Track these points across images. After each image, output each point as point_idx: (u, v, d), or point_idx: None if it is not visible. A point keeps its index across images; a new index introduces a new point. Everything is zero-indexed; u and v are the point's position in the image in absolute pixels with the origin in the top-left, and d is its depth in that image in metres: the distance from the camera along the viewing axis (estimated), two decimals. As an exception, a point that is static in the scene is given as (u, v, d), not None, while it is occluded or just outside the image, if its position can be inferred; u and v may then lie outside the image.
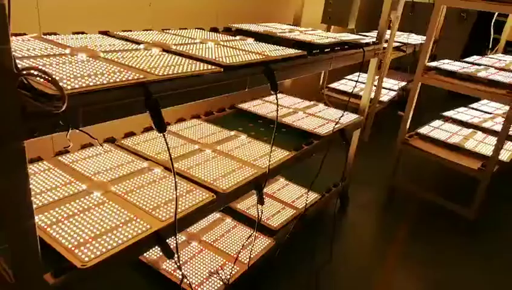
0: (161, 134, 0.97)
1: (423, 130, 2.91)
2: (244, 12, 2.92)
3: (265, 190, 2.27)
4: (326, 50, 1.77)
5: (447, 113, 3.40)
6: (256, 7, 3.03)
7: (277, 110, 1.39)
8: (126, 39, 1.41)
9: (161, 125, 0.96)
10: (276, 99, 1.35)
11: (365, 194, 2.92)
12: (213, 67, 1.13)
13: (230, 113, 2.28)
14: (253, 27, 2.09)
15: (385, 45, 3.49)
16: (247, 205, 2.09)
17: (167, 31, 1.69)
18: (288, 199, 2.22)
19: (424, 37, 4.28)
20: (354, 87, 2.59)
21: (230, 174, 1.48)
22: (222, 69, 1.14)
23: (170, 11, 2.33)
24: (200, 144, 1.72)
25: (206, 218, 1.91)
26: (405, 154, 2.78)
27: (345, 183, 2.59)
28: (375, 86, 3.68)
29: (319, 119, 2.26)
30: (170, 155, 1.00)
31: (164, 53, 1.24)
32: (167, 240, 1.16)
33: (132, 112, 0.94)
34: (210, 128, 1.93)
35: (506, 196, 3.05)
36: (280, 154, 1.74)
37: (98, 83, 0.85)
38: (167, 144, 0.98)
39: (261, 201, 1.55)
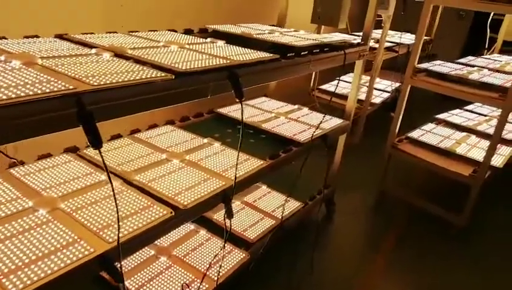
0: (97, 150, 0.87)
1: (414, 134, 2.81)
2: (230, 12, 2.82)
3: (245, 199, 2.18)
4: (303, 53, 1.67)
5: (440, 116, 3.29)
6: (243, 6, 2.93)
7: (242, 120, 1.29)
8: (81, 43, 1.31)
9: (96, 141, 0.86)
10: (241, 107, 1.25)
11: (353, 199, 2.82)
12: (163, 74, 1.03)
13: (208, 118, 2.18)
14: (230, 28, 1.98)
15: (377, 45, 3.39)
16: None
17: (134, 33, 1.59)
18: (268, 209, 2.12)
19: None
20: (335, 89, 2.47)
21: (195, 187, 1.38)
22: (173, 76, 1.04)
23: (146, 12, 2.23)
24: (168, 153, 1.62)
25: (177, 230, 1.82)
26: (395, 158, 2.68)
27: (330, 189, 2.48)
28: (367, 87, 3.58)
29: (302, 124, 2.16)
30: (107, 172, 0.90)
31: (115, 58, 1.14)
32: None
33: (62, 126, 0.84)
34: (182, 136, 1.83)
35: (499, 201, 2.94)
36: (254, 164, 1.64)
37: (13, 96, 0.75)
38: (103, 160, 0.88)
39: (229, 215, 1.45)
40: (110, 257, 1.04)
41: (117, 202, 1.24)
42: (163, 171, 1.46)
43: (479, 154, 2.52)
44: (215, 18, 2.59)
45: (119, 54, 1.18)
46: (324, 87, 3.86)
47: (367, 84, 3.61)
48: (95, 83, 0.88)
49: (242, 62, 1.30)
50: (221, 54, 1.37)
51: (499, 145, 2.80)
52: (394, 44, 3.72)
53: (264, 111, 2.31)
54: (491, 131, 2.93)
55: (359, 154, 3.43)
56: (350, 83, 4.08)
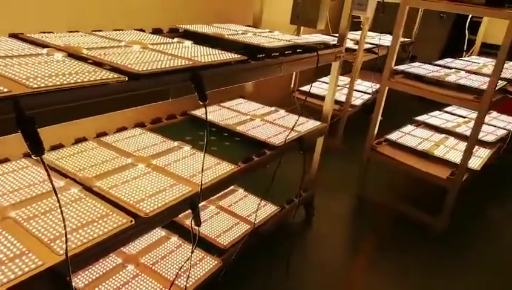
0: (38, 158, 0.81)
1: (393, 136, 2.79)
2: (204, 12, 2.76)
3: (220, 203, 2.13)
4: (274, 54, 1.63)
5: (420, 118, 3.29)
6: (218, 7, 2.88)
7: (206, 124, 1.24)
8: (36, 43, 1.24)
9: (36, 147, 0.80)
10: (205, 110, 1.19)
11: (333, 202, 2.78)
12: (115, 76, 0.97)
13: (181, 121, 2.12)
14: (202, 28, 1.93)
15: (356, 47, 3.37)
16: (197, 220, 1.93)
17: (97, 32, 1.53)
18: (244, 213, 2.07)
19: (402, 39, 4.19)
20: (309, 89, 2.43)
21: (160, 194, 1.32)
22: (127, 78, 0.98)
23: (119, 11, 2.16)
24: (135, 157, 1.55)
25: (147, 237, 1.76)
26: (375, 160, 2.66)
27: (309, 193, 2.45)
28: (347, 88, 3.56)
29: (277, 127, 2.12)
30: (50, 179, 0.84)
31: (66, 59, 1.08)
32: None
33: (-2, 132, 0.78)
34: (152, 139, 1.77)
35: (477, 203, 2.94)
36: (225, 168, 1.59)
37: None
38: (46, 168, 0.82)
39: (196, 222, 1.39)
40: (60, 270, 0.97)
41: (74, 210, 1.17)
42: (127, 177, 1.40)
43: (457, 157, 2.52)
44: (189, 18, 2.54)
45: (73, 54, 1.12)
46: (306, 88, 3.82)
47: (348, 85, 3.59)
48: (35, 86, 0.81)
49: (206, 63, 1.25)
50: (186, 54, 1.32)
51: (477, 147, 2.81)
52: (373, 45, 3.71)
53: (239, 113, 2.26)
54: (469, 133, 2.93)
55: (339, 157, 3.41)
56: (315, 81, 4.08)
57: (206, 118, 1.20)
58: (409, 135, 2.87)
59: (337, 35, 4.03)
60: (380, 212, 2.70)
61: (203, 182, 1.43)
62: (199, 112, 2.19)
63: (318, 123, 2.23)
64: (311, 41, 1.99)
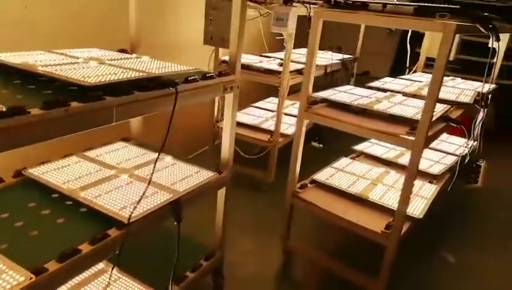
0: None
1: (322, 175, 2.29)
2: (81, 34, 2.21)
3: (74, 296, 1.52)
4: (99, 94, 1.08)
5: (359, 147, 2.83)
6: (98, 28, 2.32)
7: None
8: None
9: None
10: None
11: (252, 262, 2.23)
12: None
13: (10, 186, 1.51)
14: (23, 57, 1.36)
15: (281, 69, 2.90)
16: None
17: None
18: (105, 310, 1.48)
19: (341, 56, 3.76)
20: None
21: None
22: None
23: None
24: None
25: None
26: (301, 208, 2.14)
27: (217, 257, 1.89)
28: (275, 112, 3.06)
29: (150, 186, 1.55)
30: None
31: None
32: None
33: None
34: None
35: (423, 254, 2.47)
36: (9, 283, 0.99)
37: None
38: None
39: None
40: None
41: None
42: None
43: (396, 199, 2.04)
44: (62, 41, 1.97)
45: None
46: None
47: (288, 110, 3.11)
48: None
49: None
50: None
51: (421, 182, 2.36)
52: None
53: (103, 167, 1.68)
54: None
55: (269, 196, 2.90)
56: (268, 110, 3.59)
57: None
58: (342, 172, 2.38)
59: (276, 54, 3.57)
60: (310, 274, 2.18)
61: None
62: (40, 171, 1.59)
63: (210, 174, 1.69)
64: (176, 71, 1.44)
